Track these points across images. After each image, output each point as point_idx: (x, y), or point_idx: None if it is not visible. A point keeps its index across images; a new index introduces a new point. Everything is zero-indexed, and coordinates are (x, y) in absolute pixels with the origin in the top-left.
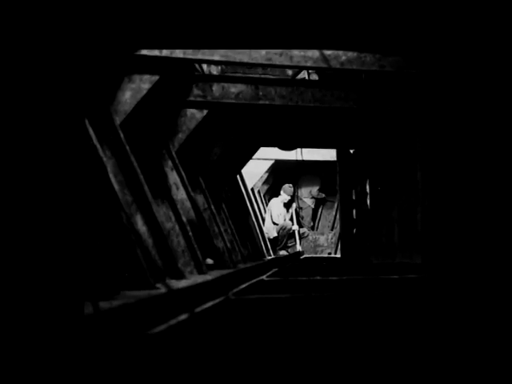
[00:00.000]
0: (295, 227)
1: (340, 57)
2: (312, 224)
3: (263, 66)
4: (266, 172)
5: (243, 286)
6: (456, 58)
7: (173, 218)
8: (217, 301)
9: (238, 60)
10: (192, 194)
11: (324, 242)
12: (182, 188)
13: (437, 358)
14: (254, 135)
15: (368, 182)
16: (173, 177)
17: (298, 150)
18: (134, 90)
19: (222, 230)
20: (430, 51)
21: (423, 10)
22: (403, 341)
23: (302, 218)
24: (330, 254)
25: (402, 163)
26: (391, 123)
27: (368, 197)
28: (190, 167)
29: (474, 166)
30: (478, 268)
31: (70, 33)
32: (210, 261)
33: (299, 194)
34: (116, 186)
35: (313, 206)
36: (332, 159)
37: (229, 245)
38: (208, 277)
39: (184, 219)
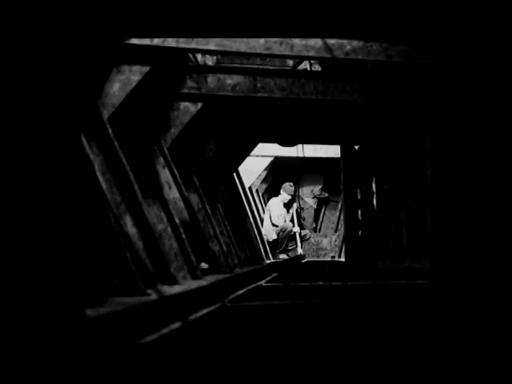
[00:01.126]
0: (296, 229)
1: (344, 46)
2: (314, 225)
3: (262, 56)
4: (265, 170)
5: (240, 292)
6: (471, 46)
7: (165, 219)
8: (212, 308)
9: (234, 49)
10: (185, 193)
11: (327, 244)
12: (174, 187)
13: (448, 377)
14: (251, 130)
15: (374, 180)
16: (165, 175)
17: (299, 146)
18: (123, 81)
19: (218, 231)
20: (442, 39)
21: None
22: (412, 355)
23: (304, 219)
24: (333, 257)
25: (411, 160)
26: (399, 117)
27: (374, 196)
28: (184, 164)
29: (490, 164)
30: (491, 274)
31: (52, 20)
32: (204, 265)
33: (300, 194)
34: (104, 185)
35: (315, 207)
36: (336, 156)
37: (225, 248)
38: (203, 282)
39: (177, 220)
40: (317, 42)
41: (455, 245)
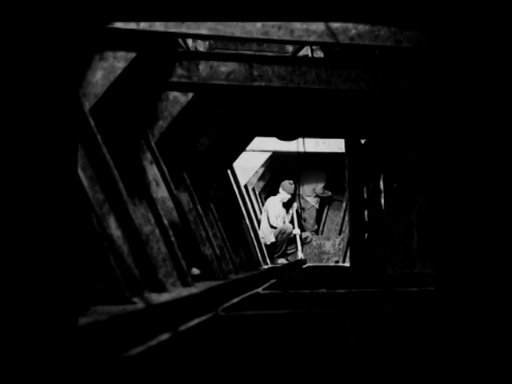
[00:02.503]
0: (296, 231)
1: (349, 30)
2: (316, 227)
3: (259, 42)
4: (262, 166)
5: (235, 300)
6: (490, 31)
7: (152, 221)
8: (204, 318)
9: (228, 34)
10: (175, 191)
11: (330, 248)
12: (163, 185)
13: None
14: (247, 123)
15: (382, 177)
16: (152, 172)
17: (300, 140)
18: (107, 69)
19: (211, 234)
20: (457, 23)
21: None
22: (426, 376)
23: (305, 220)
24: (337, 262)
25: (422, 156)
26: (410, 108)
27: (382, 195)
28: (173, 160)
29: (498, 163)
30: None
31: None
32: (196, 271)
33: (301, 192)
34: (85, 183)
35: (317, 207)
36: (340, 151)
37: (218, 252)
38: (194, 289)
39: (165, 222)
40: (319, 26)
41: (462, 249)
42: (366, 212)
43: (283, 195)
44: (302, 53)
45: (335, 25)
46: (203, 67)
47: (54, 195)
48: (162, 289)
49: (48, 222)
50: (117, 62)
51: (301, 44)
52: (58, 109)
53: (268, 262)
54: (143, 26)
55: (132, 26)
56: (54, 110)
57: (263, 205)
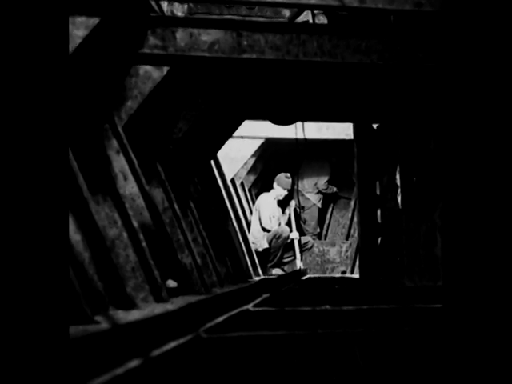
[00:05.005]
0: (294, 235)
1: None
2: (318, 230)
3: (248, 4)
4: (253, 156)
5: (220, 318)
6: None
7: (119, 222)
8: (182, 340)
9: None
10: (147, 187)
11: (336, 255)
12: (131, 179)
13: None
14: (235, 103)
15: (399, 170)
16: (119, 163)
17: (299, 124)
18: None
19: (190, 239)
20: None
21: None
22: None
23: (305, 221)
24: (344, 273)
25: (448, 143)
26: (431, 86)
27: (399, 192)
28: (144, 149)
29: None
30: None
31: None
32: (172, 283)
33: (300, 188)
34: None
35: (319, 205)
36: (347, 138)
37: (199, 260)
38: (169, 306)
39: (135, 223)
40: None
41: (473, 262)
42: (378, 212)
43: (278, 191)
44: (300, 18)
45: None
46: (181, 36)
47: None
48: (130, 305)
49: None
50: (76, 29)
51: (300, 8)
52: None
53: (260, 272)
54: None
55: None
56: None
57: (254, 203)
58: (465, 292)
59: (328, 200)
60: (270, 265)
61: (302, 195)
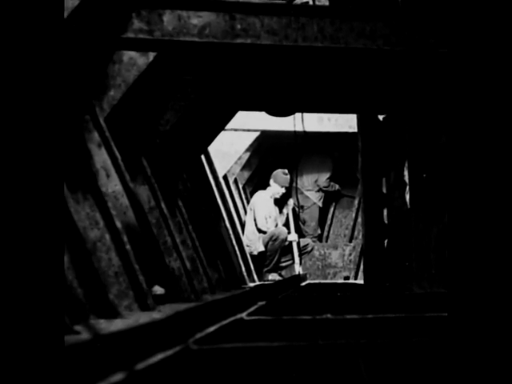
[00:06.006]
0: (293, 237)
1: None
2: (319, 232)
3: None
4: (248, 151)
5: (211, 328)
6: None
7: (101, 223)
8: (170, 352)
9: None
10: (131, 184)
11: (338, 259)
12: (114, 175)
13: None
14: (228, 93)
15: (407, 165)
16: (101, 157)
17: (298, 116)
18: None
19: (179, 241)
20: None
21: None
22: None
23: (304, 222)
24: (347, 278)
25: (461, 136)
26: (443, 75)
27: (407, 189)
28: (129, 143)
29: None
30: None
31: None
32: (159, 290)
33: (299, 186)
34: None
35: (320, 204)
36: (351, 130)
37: (189, 265)
38: (156, 315)
39: (118, 224)
40: None
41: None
42: (385, 212)
43: (275, 189)
44: (299, 0)
45: None
46: (169, 19)
47: None
48: (113, 314)
49: None
50: None
51: None
52: None
53: (255, 278)
54: None
55: None
56: None
57: (249, 202)
58: (473, 300)
59: (330, 199)
60: (266, 269)
61: (302, 193)
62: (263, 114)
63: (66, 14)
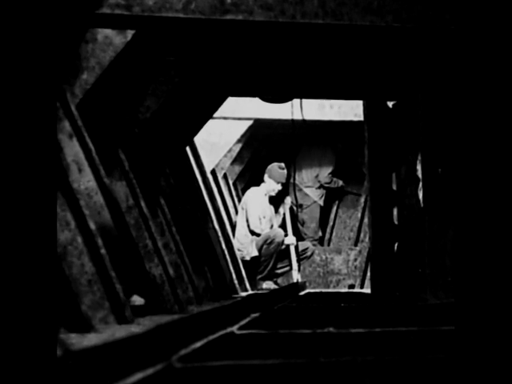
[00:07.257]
0: (290, 240)
1: None
2: (320, 234)
3: None
4: (239, 142)
5: (198, 344)
6: None
7: (72, 224)
8: (150, 371)
9: None
10: (106, 180)
11: (342, 266)
12: (88, 170)
13: None
14: (216, 76)
15: (420, 159)
16: (72, 150)
17: (296, 102)
18: None
19: (160, 244)
20: None
21: None
22: None
23: (303, 223)
24: (351, 286)
25: (482, 124)
26: (460, 55)
27: (420, 186)
28: (104, 133)
29: None
30: None
31: None
32: (138, 300)
33: (297, 182)
34: None
35: (321, 203)
36: (356, 119)
37: (172, 272)
38: (135, 328)
39: (92, 226)
40: None
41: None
42: (395, 211)
43: (270, 186)
44: None
45: None
46: None
47: None
48: (86, 327)
49: None
50: None
51: None
52: None
53: (247, 286)
54: None
55: None
56: None
57: (240, 200)
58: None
59: (332, 196)
60: (259, 277)
61: (300, 190)
62: (256, 100)
63: None
